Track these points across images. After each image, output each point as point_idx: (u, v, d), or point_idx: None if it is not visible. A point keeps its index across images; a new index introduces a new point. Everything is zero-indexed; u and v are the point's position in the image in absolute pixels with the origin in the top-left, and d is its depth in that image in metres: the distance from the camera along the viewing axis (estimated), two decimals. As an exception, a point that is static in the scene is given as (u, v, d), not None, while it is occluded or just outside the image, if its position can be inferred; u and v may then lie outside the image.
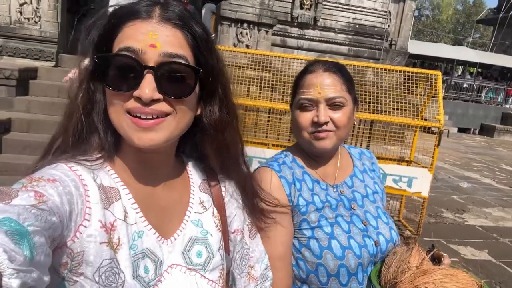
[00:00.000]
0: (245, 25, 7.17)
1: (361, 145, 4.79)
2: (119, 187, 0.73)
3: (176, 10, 0.70)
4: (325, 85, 1.16)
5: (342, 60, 4.68)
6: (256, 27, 7.25)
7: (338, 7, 10.92)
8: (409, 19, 13.19)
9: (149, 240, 0.74)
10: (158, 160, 0.79)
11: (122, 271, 0.68)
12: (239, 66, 4.53)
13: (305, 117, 1.18)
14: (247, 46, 7.04)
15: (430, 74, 4.38)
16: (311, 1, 10.45)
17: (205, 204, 0.86)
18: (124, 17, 0.69)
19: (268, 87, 4.50)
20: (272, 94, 4.36)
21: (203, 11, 7.93)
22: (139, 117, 0.67)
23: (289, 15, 10.45)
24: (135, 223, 0.73)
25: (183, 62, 0.69)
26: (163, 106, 0.68)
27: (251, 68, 4.64)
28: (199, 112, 0.79)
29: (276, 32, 9.74)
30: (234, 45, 7.04)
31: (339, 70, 1.21)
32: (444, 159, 10.51)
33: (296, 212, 1.15)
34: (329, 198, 1.19)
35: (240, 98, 4.35)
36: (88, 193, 0.67)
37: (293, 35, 10.70)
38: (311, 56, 8.79)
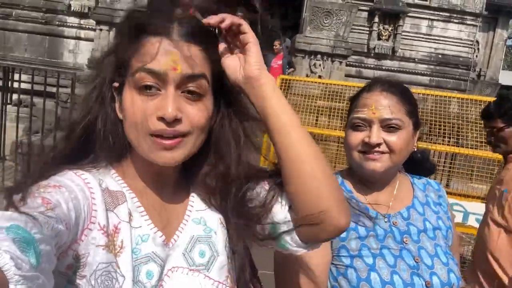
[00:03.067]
0: (319, 56, 7.24)
1: (441, 181, 4.44)
2: (125, 191, 0.74)
3: (192, 25, 0.71)
4: (381, 105, 1.09)
5: (422, 90, 4.43)
6: (329, 58, 7.28)
7: (419, 37, 10.55)
8: (500, 48, 12.27)
9: (155, 243, 0.72)
10: (168, 169, 0.78)
11: (123, 275, 0.66)
12: (310, 96, 4.54)
13: (356, 137, 1.12)
14: (320, 77, 7.07)
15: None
16: (390, 32, 10.23)
17: (208, 201, 0.82)
18: (142, 32, 0.69)
19: (339, 117, 4.44)
20: (341, 123, 4.29)
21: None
22: (161, 136, 0.68)
23: (366, 46, 10.31)
24: (140, 226, 0.72)
25: (203, 81, 0.71)
26: (184, 126, 0.69)
27: (323, 98, 4.63)
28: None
29: (351, 63, 9.67)
30: (307, 76, 7.12)
31: (400, 91, 1.14)
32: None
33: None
34: (376, 228, 1.11)
35: (308, 127, 4.33)
36: (94, 195, 0.67)
37: (369, 65, 10.51)
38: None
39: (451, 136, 4.12)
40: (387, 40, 10.30)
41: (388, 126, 1.09)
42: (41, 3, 8.77)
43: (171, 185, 0.81)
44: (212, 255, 0.77)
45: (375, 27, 10.14)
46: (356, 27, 9.80)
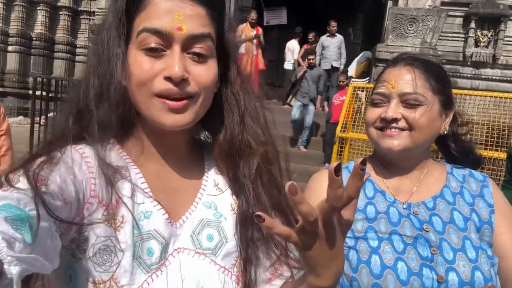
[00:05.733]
0: (402, 65, 6.88)
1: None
2: (129, 166, 0.72)
3: None
4: (402, 79, 1.03)
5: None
6: (415, 67, 6.88)
7: (525, 41, 9.41)
8: None
9: (157, 221, 0.70)
10: (173, 141, 0.76)
11: (122, 250, 0.65)
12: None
13: (373, 112, 1.06)
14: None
15: None
16: (489, 38, 9.31)
17: (221, 187, 0.80)
18: None
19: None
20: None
21: (358, 57, 8.00)
22: (168, 98, 0.67)
23: (461, 54, 9.51)
24: (143, 202, 0.70)
25: (209, 42, 0.69)
26: (191, 87, 0.67)
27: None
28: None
29: (443, 72, 8.98)
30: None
31: (426, 66, 1.06)
32: None
33: None
34: (390, 211, 1.03)
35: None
36: (92, 170, 0.66)
37: (465, 75, 9.66)
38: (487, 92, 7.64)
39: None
40: (486, 46, 9.37)
41: (408, 101, 1.02)
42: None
43: (182, 160, 0.79)
44: (220, 241, 0.75)
45: (471, 33, 9.32)
46: (449, 34, 9.12)
